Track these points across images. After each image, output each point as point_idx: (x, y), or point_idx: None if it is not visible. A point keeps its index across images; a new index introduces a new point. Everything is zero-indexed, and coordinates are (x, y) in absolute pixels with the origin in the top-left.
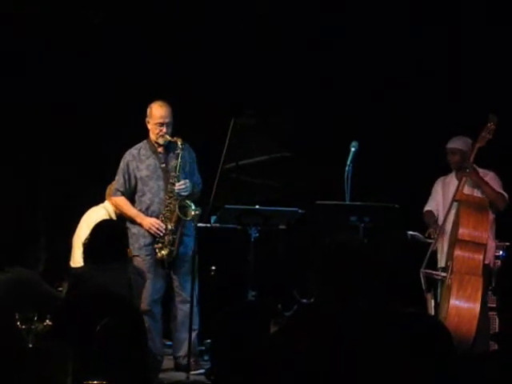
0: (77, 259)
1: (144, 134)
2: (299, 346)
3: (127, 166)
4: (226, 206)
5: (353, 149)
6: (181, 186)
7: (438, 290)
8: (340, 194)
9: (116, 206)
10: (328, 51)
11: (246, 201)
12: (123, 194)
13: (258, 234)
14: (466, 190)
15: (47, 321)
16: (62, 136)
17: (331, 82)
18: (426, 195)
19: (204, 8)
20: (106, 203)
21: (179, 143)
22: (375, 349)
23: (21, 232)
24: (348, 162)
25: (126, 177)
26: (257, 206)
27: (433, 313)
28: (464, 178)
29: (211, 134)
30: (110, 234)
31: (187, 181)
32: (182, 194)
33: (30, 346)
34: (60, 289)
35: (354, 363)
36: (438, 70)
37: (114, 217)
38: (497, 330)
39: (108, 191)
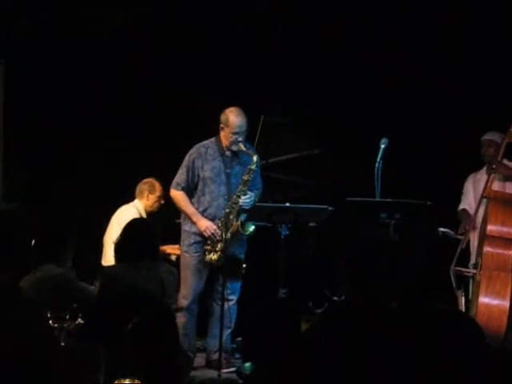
0: (108, 258)
1: (174, 136)
2: (330, 344)
3: (193, 162)
4: (257, 204)
5: (383, 145)
6: (246, 199)
7: (470, 287)
8: (370, 190)
9: (174, 199)
10: (357, 47)
11: (276, 198)
12: (183, 189)
13: (288, 232)
14: (496, 186)
15: (79, 319)
16: (92, 136)
17: (361, 79)
18: (457, 192)
19: (233, 6)
20: (136, 202)
21: (254, 159)
22: (407, 346)
23: (52, 231)
24: (378, 159)
25: (190, 173)
26: (287, 204)
27: (463, 310)
28: (492, 175)
29: None
30: (141, 232)
31: (253, 194)
32: (245, 207)
33: (63, 344)
34: (92, 287)
35: (386, 361)
36: (467, 66)
37: (144, 215)
38: None
39: (138, 190)
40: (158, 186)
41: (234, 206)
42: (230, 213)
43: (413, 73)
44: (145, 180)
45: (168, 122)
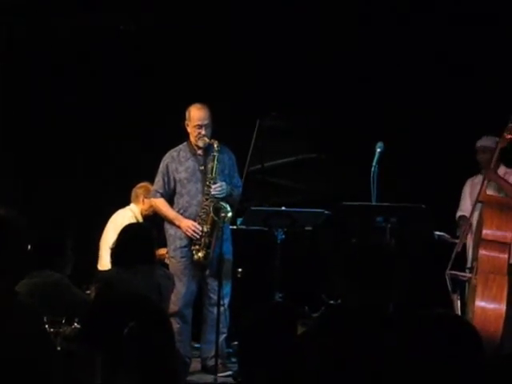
0: (104, 262)
1: (168, 138)
2: (326, 347)
3: (166, 167)
4: (252, 208)
5: (378, 149)
6: (216, 188)
7: (466, 291)
8: (366, 194)
9: (155, 208)
10: (353, 52)
11: (272, 202)
12: (162, 195)
13: (284, 236)
14: (490, 190)
15: (75, 324)
16: (88, 140)
17: (356, 83)
18: (452, 195)
19: (230, 9)
20: (132, 206)
21: (215, 145)
22: (402, 350)
23: (48, 236)
24: (374, 163)
25: (166, 179)
26: (283, 208)
27: (459, 314)
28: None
29: (236, 136)
30: (137, 237)
31: (223, 183)
32: (218, 196)
33: (59, 348)
34: (88, 292)
35: (382, 365)
36: (463, 70)
37: (140, 219)
38: None
39: (133, 194)
40: None
41: (207, 197)
42: (206, 205)
43: (408, 77)
44: (140, 184)
45: (164, 125)
